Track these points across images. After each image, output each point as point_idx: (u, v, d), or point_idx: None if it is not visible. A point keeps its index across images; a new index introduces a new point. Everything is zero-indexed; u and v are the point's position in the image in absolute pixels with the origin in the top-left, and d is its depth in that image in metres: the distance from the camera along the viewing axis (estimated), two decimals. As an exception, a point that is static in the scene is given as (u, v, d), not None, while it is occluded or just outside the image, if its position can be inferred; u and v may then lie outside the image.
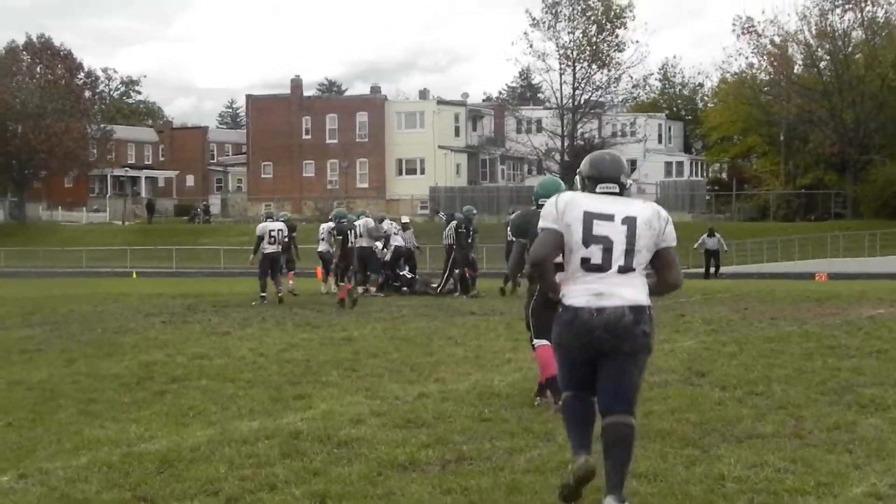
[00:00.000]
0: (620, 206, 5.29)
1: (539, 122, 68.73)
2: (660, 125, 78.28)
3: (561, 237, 5.24)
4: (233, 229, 61.85)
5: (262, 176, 74.56)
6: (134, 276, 38.14)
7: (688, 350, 11.09)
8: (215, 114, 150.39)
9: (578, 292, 5.22)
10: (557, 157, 62.59)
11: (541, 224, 5.32)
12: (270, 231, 19.89)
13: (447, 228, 22.46)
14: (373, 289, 22.17)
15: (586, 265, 5.22)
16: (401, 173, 71.57)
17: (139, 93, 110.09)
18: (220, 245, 51.99)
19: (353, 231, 18.69)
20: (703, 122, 77.45)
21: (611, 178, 5.36)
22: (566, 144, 61.67)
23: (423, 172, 70.39)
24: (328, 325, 14.98)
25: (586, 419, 5.34)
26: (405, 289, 22.15)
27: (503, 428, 7.26)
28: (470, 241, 22.10)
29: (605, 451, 5.15)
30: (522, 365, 10.36)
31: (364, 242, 21.78)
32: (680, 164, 75.32)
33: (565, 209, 5.26)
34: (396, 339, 12.92)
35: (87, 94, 78.35)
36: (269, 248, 19.78)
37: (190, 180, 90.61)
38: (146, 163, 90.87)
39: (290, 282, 21.99)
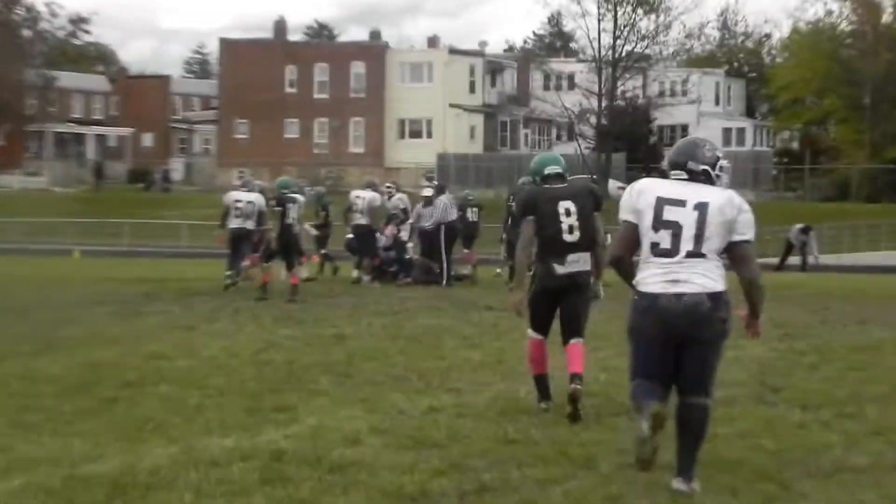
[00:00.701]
0: (695, 192, 6.27)
1: (571, 77, 68.56)
2: (717, 84, 78.12)
3: (636, 228, 6.35)
4: (198, 200, 61.82)
5: (236, 136, 74.58)
6: (76, 254, 38.04)
7: (757, 359, 10.96)
8: (180, 60, 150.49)
9: (653, 278, 6.24)
10: (593, 119, 62.40)
11: (620, 216, 6.43)
12: (236, 202, 19.70)
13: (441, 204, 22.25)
14: (366, 277, 22.09)
15: (655, 250, 6.26)
16: (403, 136, 71.55)
17: (88, 33, 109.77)
18: (183, 219, 51.93)
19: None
20: (770, 80, 77.16)
21: (678, 164, 6.37)
22: (604, 105, 61.45)
23: (429, 136, 70.36)
24: (314, 321, 14.89)
25: (654, 394, 6.27)
26: (405, 277, 22.01)
27: (533, 452, 7.17)
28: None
29: (679, 431, 6.36)
30: (554, 373, 10.20)
31: (364, 220, 21.74)
32: (741, 130, 75.19)
33: (639, 196, 6.37)
34: (399, 339, 12.83)
35: (26, 32, 78.34)
36: (233, 223, 19.70)
37: (147, 139, 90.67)
38: (95, 118, 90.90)
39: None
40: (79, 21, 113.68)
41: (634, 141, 66.74)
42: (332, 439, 7.46)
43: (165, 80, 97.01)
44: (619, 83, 62.76)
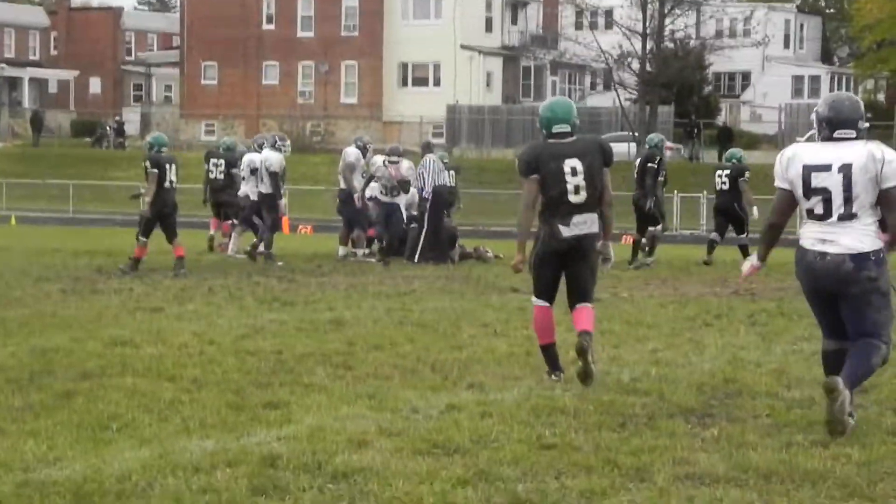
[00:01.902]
0: (838, 154, 7.85)
1: (609, 13, 68.37)
2: (787, 22, 78.04)
3: (791, 195, 8.05)
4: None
5: (203, 82, 74.64)
6: (13, 221, 38.22)
7: (841, 353, 11.03)
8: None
9: (808, 234, 8.05)
10: (635, 65, 62.28)
11: (775, 183, 8.08)
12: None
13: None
14: (360, 251, 22.24)
15: (811, 215, 7.99)
16: (405, 84, 71.50)
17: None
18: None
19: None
20: (853, 18, 76.86)
21: (849, 122, 7.89)
22: (648, 47, 61.36)
23: (437, 84, 70.30)
24: (306, 302, 15.03)
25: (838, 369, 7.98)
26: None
27: (574, 459, 7.25)
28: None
29: (848, 360, 7.99)
30: (596, 367, 10.31)
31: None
32: (815, 78, 75.14)
33: (788, 165, 8.02)
34: (408, 325, 12.94)
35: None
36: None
37: (95, 85, 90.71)
38: (31, 58, 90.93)
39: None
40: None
41: (685, 91, 66.70)
42: (335, 442, 7.55)
43: (116, 13, 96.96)
44: (667, 21, 62.65)
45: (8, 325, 12.38)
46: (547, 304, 9.80)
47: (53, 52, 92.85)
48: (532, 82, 74.12)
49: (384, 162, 21.42)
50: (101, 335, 11.71)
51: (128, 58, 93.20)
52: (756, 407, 8.80)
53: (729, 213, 22.25)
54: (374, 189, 21.74)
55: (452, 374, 10.04)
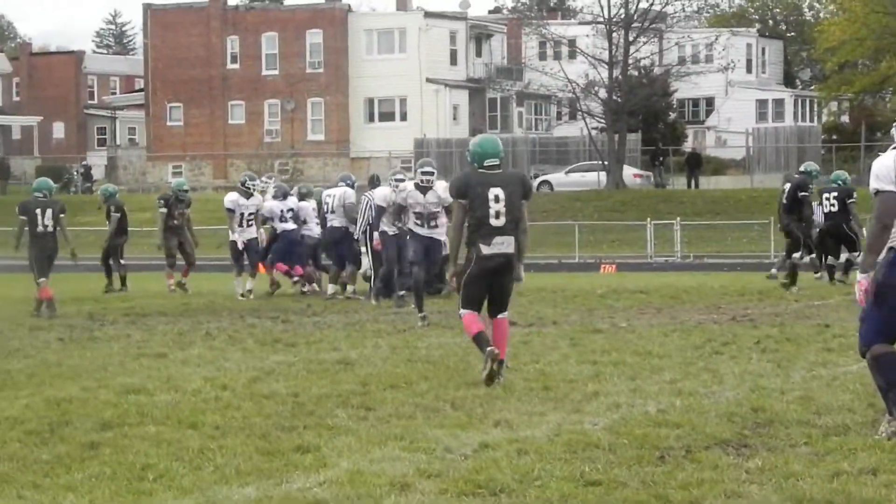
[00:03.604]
0: None
1: (573, 42, 68.63)
2: (749, 46, 78.52)
3: None
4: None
5: (169, 123, 74.52)
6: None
7: (860, 379, 10.98)
8: (89, 32, 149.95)
9: None
10: (602, 93, 62.49)
11: (879, 186, 8.40)
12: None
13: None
14: (350, 287, 22.14)
15: None
16: (372, 119, 71.64)
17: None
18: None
19: (43, 210, 19.57)
20: (816, 41, 77.41)
21: None
22: (614, 75, 61.56)
23: (404, 118, 70.47)
24: (307, 343, 14.94)
25: None
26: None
27: (624, 496, 7.21)
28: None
29: None
30: (618, 399, 10.30)
31: (337, 221, 21.84)
32: (778, 102, 75.56)
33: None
34: (417, 362, 12.87)
35: None
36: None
37: (59, 129, 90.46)
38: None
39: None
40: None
41: (651, 118, 67.01)
42: (376, 485, 7.48)
43: (77, 57, 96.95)
44: (631, 49, 62.87)
45: (15, 376, 12.23)
46: (474, 312, 11.52)
47: (16, 99, 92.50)
48: (499, 114, 74.25)
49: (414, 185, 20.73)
50: (111, 384, 11.57)
51: (91, 101, 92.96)
52: (791, 436, 8.74)
53: (840, 234, 22.75)
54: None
55: (476, 412, 9.96)
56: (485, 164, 11.35)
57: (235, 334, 16.00)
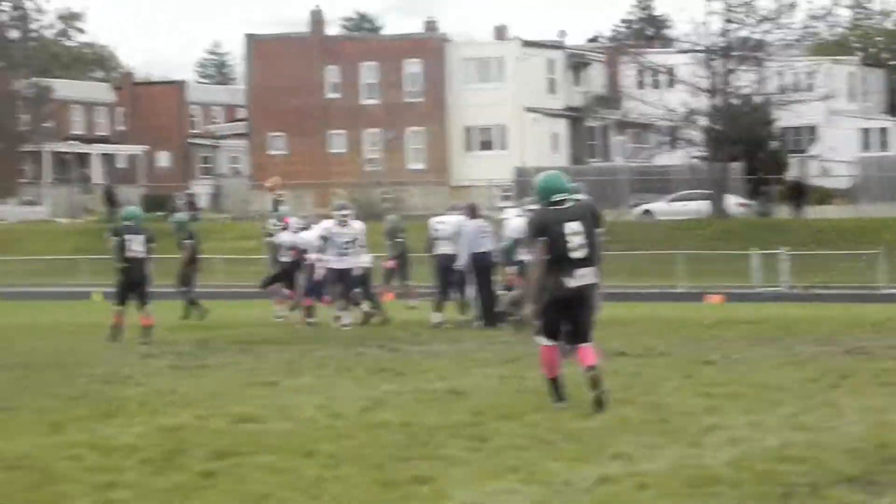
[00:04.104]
0: None
1: (671, 71, 68.22)
2: (850, 75, 77.50)
3: None
4: (232, 229, 62.14)
5: (270, 152, 75.03)
6: (95, 297, 38.35)
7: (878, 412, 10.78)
8: (191, 63, 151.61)
9: None
10: (702, 121, 61.97)
11: None
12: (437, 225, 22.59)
13: None
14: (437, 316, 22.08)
15: None
16: (471, 148, 71.70)
17: (82, 31, 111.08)
18: (215, 252, 52.14)
19: (134, 237, 20.08)
20: (918, 69, 76.67)
21: None
22: (715, 104, 61.01)
23: (503, 147, 70.46)
24: (416, 371, 14.87)
25: None
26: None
27: (753, 533, 7.00)
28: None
29: None
30: (737, 433, 10.09)
31: (450, 249, 21.68)
32: (882, 131, 74.62)
33: None
34: (527, 393, 12.71)
35: (15, 33, 79.31)
36: (442, 249, 22.20)
37: (164, 158, 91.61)
38: (99, 133, 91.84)
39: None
40: (70, 17, 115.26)
41: (752, 146, 66.29)
42: (497, 519, 7.36)
43: (180, 87, 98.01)
44: (731, 77, 62.29)
45: (128, 405, 12.28)
46: (553, 344, 11.64)
47: (121, 128, 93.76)
48: (598, 142, 73.99)
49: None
50: (224, 412, 11.57)
51: (193, 131, 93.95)
52: (921, 472, 8.50)
53: None
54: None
55: (591, 444, 9.80)
56: (552, 199, 11.55)
57: (344, 363, 15.97)
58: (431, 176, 71.07)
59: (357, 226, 22.12)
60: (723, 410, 11.35)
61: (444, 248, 22.04)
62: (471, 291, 21.74)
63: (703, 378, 13.82)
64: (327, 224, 22.26)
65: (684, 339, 19.35)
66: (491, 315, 21.30)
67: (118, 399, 12.66)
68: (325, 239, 21.91)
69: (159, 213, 73.49)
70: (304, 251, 22.96)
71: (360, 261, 22.03)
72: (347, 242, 21.82)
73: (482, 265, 21.51)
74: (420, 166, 72.08)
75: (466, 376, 14.31)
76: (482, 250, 21.50)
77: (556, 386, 11.73)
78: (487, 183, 66.41)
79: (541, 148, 69.44)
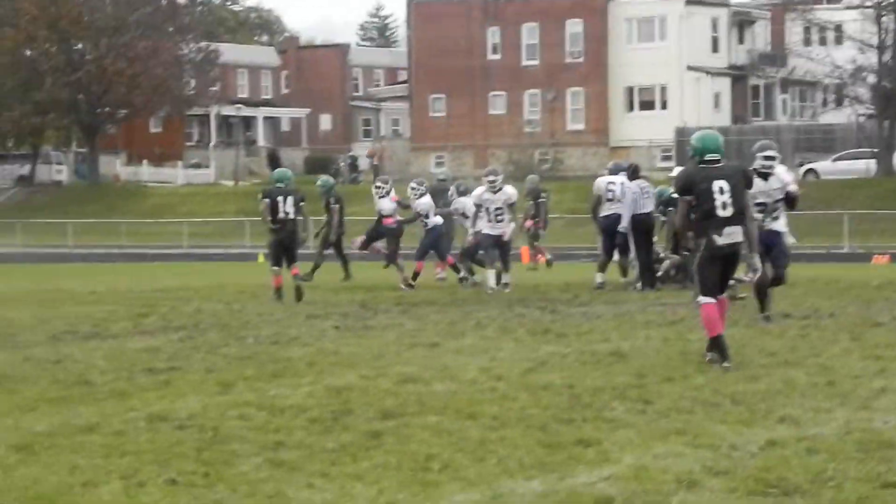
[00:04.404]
0: None
1: (839, 27, 66.87)
2: None
3: None
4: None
5: (431, 114, 75.41)
6: (261, 258, 38.96)
7: None
8: (353, 26, 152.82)
9: None
10: (871, 78, 60.64)
11: None
12: (609, 186, 21.93)
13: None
14: (623, 280, 21.87)
15: None
16: (632, 108, 71.25)
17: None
18: (375, 214, 52.69)
19: (285, 198, 20.29)
20: None
21: None
22: (884, 60, 59.64)
23: (664, 107, 69.87)
24: (578, 333, 14.82)
25: None
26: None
27: (929, 500, 6.87)
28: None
29: None
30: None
31: (620, 209, 21.39)
32: None
33: None
34: (691, 355, 12.62)
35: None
36: (610, 209, 21.67)
37: (325, 121, 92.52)
38: (264, 97, 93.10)
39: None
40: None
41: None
42: (663, 482, 7.33)
43: (343, 50, 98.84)
44: (902, 34, 60.80)
45: (296, 364, 12.44)
46: (713, 301, 11.87)
47: (284, 91, 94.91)
48: (762, 101, 72.87)
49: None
50: (389, 372, 11.68)
51: (356, 93, 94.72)
52: None
53: None
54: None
55: (758, 408, 9.67)
56: (705, 158, 11.89)
57: (506, 324, 15.99)
58: (591, 137, 70.77)
59: (509, 191, 21.84)
60: (892, 373, 11.16)
61: (611, 209, 21.75)
62: (632, 253, 21.60)
63: (872, 340, 13.58)
64: (479, 190, 22.02)
65: (852, 300, 19.00)
66: (652, 277, 21.15)
67: (285, 359, 12.82)
68: (478, 206, 21.69)
69: (321, 175, 74.52)
70: (424, 215, 23.47)
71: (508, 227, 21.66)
72: (499, 209, 21.48)
73: (643, 226, 21.34)
74: (579, 127, 71.78)
75: (629, 338, 14.23)
76: (644, 211, 21.32)
77: (718, 344, 11.85)
78: (647, 143, 65.94)
79: (702, 107, 68.65)
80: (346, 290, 22.14)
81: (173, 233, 55.06)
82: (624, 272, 21.91)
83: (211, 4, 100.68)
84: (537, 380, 11.18)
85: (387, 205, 23.72)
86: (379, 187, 24.17)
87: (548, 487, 7.25)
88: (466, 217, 22.82)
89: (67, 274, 33.04)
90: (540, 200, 29.11)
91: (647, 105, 70.94)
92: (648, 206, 21.27)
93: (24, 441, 8.78)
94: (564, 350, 13.22)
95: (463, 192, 23.76)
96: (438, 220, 23.70)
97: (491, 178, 21.61)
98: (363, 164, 74.49)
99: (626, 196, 21.26)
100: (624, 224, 21.23)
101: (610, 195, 21.61)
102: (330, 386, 10.96)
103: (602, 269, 21.86)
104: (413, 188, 24.07)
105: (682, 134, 65.48)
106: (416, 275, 23.15)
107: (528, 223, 29.07)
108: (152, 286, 24.76)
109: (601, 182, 21.99)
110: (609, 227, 21.66)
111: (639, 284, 21.18)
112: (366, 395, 10.46)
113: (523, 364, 12.16)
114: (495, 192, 21.44)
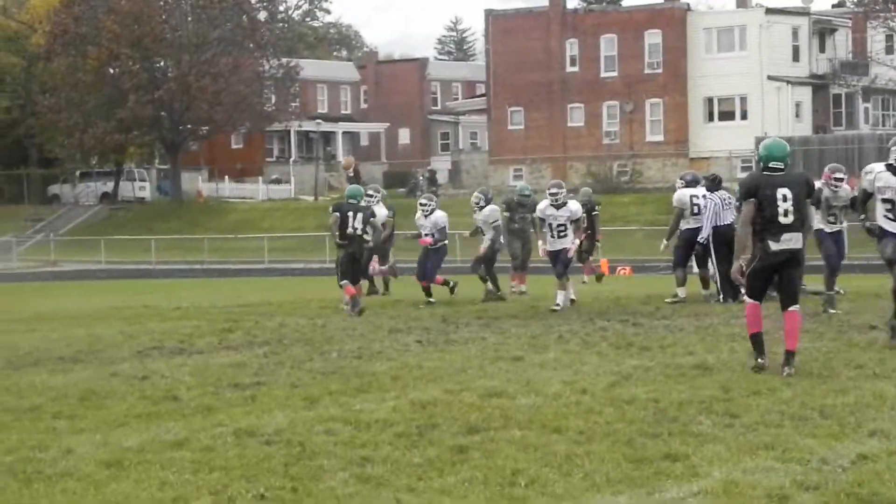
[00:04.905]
0: None
1: (922, 35, 66.22)
2: None
3: None
4: (468, 204, 62.52)
5: (509, 127, 75.34)
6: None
7: None
8: (430, 40, 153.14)
9: None
10: (955, 86, 59.92)
11: None
12: (693, 199, 21.47)
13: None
14: (704, 291, 21.62)
15: None
16: (711, 119, 70.74)
17: (328, 12, 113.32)
18: (454, 228, 52.73)
19: (355, 214, 20.60)
20: None
21: None
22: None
23: (744, 117, 69.30)
24: (661, 346, 14.71)
25: None
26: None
27: None
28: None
29: None
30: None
31: (695, 223, 21.23)
32: None
33: None
34: (777, 368, 12.45)
35: (263, 15, 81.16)
36: (691, 223, 21.42)
37: (404, 135, 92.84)
38: (343, 112, 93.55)
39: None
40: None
41: None
42: (753, 497, 7.31)
43: (421, 64, 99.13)
44: None
45: (381, 378, 12.47)
46: (758, 302, 12.41)
47: (363, 106, 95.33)
48: (843, 110, 72.13)
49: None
50: (472, 386, 11.67)
51: (434, 107, 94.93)
52: None
53: None
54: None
55: (848, 421, 9.57)
56: (770, 165, 12.21)
57: (588, 338, 15.91)
58: (670, 148, 70.41)
59: (572, 206, 21.37)
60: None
61: (694, 222, 21.54)
62: (712, 265, 21.40)
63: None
64: (542, 205, 21.60)
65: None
66: (734, 289, 20.94)
67: (369, 374, 12.85)
68: (541, 220, 21.43)
69: (400, 189, 74.73)
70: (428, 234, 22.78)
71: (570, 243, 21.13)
72: (561, 225, 20.97)
73: (725, 238, 21.12)
74: (658, 138, 71.44)
75: (713, 351, 14.12)
76: (725, 223, 21.13)
77: (756, 342, 12.41)
78: (727, 154, 65.51)
79: (783, 117, 68.09)
80: (424, 302, 22.09)
81: (254, 248, 55.40)
82: (705, 284, 21.72)
83: (291, 21, 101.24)
84: (622, 393, 11.13)
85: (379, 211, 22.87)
86: (370, 196, 23.25)
87: (636, 502, 7.24)
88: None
89: (151, 290, 33.38)
90: (594, 214, 28.81)
91: (727, 115, 70.41)
92: (729, 218, 21.03)
93: (114, 457, 8.88)
94: (648, 363, 13.15)
95: (489, 201, 23.57)
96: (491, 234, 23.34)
97: (553, 191, 21.02)
98: (441, 177, 74.65)
99: (707, 208, 21.09)
100: (703, 235, 21.05)
101: (695, 209, 21.42)
102: (415, 400, 10.98)
103: (682, 282, 21.63)
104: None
105: (763, 144, 64.98)
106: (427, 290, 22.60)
107: (581, 236, 28.81)
108: (235, 301, 24.92)
109: (684, 195, 21.68)
110: (690, 240, 21.47)
111: (721, 297, 21.00)
112: (450, 410, 10.47)
113: (607, 378, 12.11)
114: (558, 207, 20.99)
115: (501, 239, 23.82)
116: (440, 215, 22.71)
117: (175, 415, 10.69)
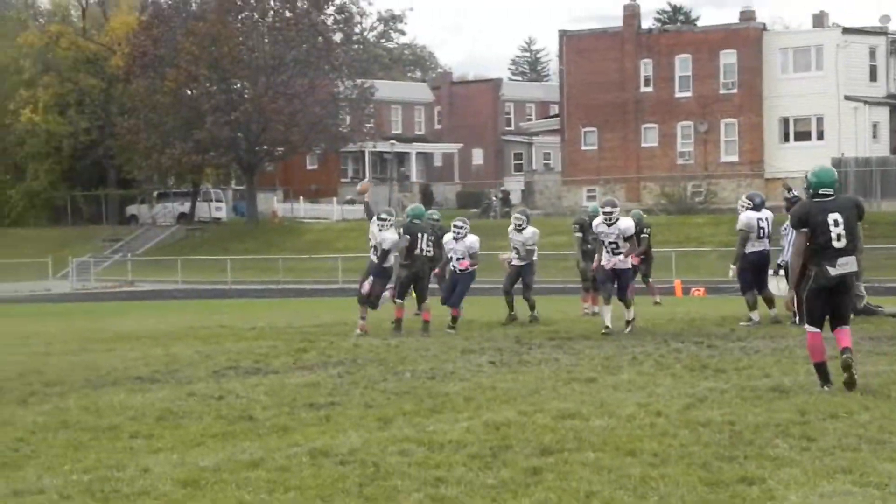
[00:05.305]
0: None
1: None
2: None
3: None
4: (543, 225, 62.40)
5: (583, 147, 75.15)
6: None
7: None
8: (504, 61, 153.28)
9: None
10: None
11: None
12: (760, 222, 21.24)
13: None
14: (773, 312, 21.41)
15: None
16: (787, 139, 70.20)
17: (403, 33, 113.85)
18: (542, 249, 52.65)
19: (423, 235, 21.52)
20: None
21: None
22: None
23: (821, 137, 68.71)
24: (737, 368, 14.62)
25: None
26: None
27: None
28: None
29: None
30: None
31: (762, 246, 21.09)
32: None
33: None
34: (855, 391, 12.35)
35: (338, 36, 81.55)
36: (757, 246, 21.26)
37: (477, 156, 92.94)
38: (417, 132, 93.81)
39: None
40: (391, 20, 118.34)
41: None
42: (830, 522, 7.18)
43: (495, 85, 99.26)
44: None
45: (454, 399, 12.48)
46: (819, 330, 12.47)
47: (437, 126, 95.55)
48: (922, 131, 71.38)
49: None
50: (546, 408, 11.65)
51: (507, 128, 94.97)
52: None
53: None
54: None
55: (926, 445, 9.47)
56: (820, 192, 12.39)
57: (662, 359, 15.83)
58: (745, 168, 69.95)
59: (622, 224, 20.61)
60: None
61: (760, 245, 21.35)
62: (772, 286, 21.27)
63: None
64: (596, 222, 21.28)
65: None
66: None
67: (442, 395, 12.86)
68: (595, 238, 21.23)
69: (473, 210, 74.79)
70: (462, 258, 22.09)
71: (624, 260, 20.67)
72: (613, 242, 20.51)
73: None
74: (733, 159, 70.99)
75: (789, 373, 14.00)
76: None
77: (821, 370, 12.57)
78: (803, 174, 64.81)
79: (860, 137, 67.44)
80: (499, 325, 22.09)
81: (329, 268, 55.67)
82: (769, 304, 21.49)
83: (366, 42, 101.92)
84: (697, 416, 11.06)
85: (389, 235, 22.45)
86: (384, 219, 22.50)
87: (712, 527, 7.17)
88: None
89: (227, 310, 33.59)
90: (643, 236, 28.41)
91: (803, 136, 69.85)
92: None
93: (191, 476, 8.94)
94: (724, 386, 13.06)
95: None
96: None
97: (607, 209, 20.68)
98: (514, 198, 74.62)
99: (788, 230, 20.83)
100: (785, 258, 20.76)
101: (761, 232, 21.24)
102: (488, 421, 10.97)
103: (753, 306, 21.39)
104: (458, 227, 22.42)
105: (839, 164, 64.44)
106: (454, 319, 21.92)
107: (635, 260, 28.53)
108: (310, 321, 25.04)
109: (751, 217, 21.32)
110: (757, 263, 21.28)
111: (796, 318, 20.79)
112: (524, 431, 10.46)
113: (682, 400, 12.05)
114: (609, 225, 20.57)
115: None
116: (473, 239, 22.36)
117: (250, 434, 10.76)
